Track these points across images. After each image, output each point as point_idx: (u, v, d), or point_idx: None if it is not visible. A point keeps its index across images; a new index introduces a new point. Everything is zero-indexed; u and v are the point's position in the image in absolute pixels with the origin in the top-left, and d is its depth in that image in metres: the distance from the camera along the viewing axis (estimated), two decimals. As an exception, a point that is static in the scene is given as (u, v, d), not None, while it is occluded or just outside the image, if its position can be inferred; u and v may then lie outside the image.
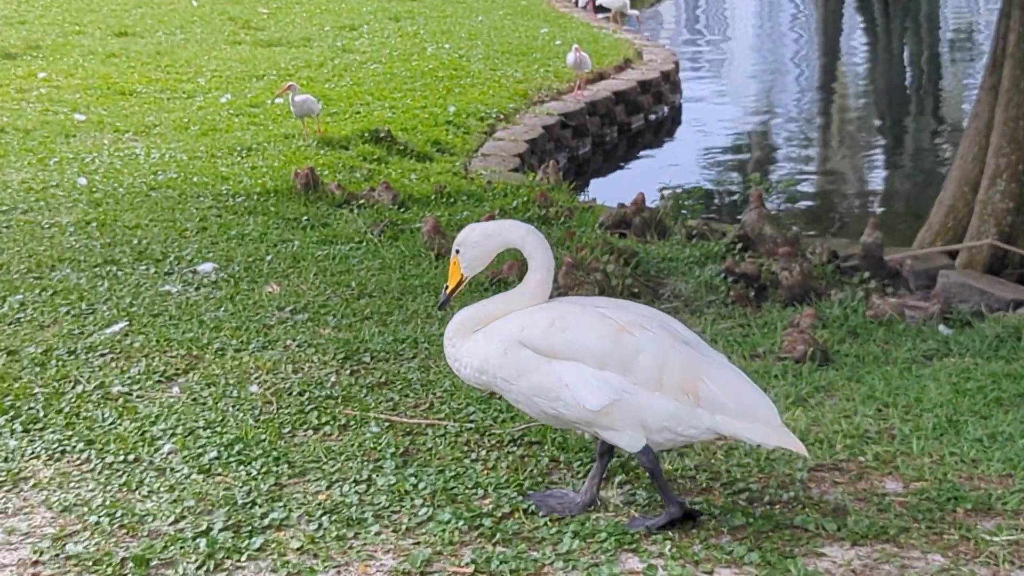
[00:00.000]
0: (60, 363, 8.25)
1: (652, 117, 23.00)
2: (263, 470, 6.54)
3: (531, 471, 6.53)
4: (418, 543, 5.75)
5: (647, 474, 5.80)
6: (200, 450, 6.83)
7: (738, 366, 7.22)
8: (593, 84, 22.06)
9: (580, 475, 6.50)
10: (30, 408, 7.45)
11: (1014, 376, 8.42)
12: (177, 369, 8.24)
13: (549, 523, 5.85)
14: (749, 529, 5.86)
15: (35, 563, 5.67)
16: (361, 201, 13.22)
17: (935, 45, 33.62)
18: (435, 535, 5.80)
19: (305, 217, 12.66)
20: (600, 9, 30.86)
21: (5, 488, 6.47)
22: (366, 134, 16.57)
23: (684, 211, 13.52)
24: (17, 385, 7.79)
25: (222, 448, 6.83)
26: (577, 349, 5.45)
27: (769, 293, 10.94)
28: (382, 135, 16.55)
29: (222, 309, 9.59)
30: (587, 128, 20.59)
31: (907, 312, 10.32)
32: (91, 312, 9.40)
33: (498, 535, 5.78)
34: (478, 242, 5.80)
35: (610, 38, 27.01)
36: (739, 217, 13.34)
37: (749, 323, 9.90)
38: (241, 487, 6.34)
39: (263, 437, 6.94)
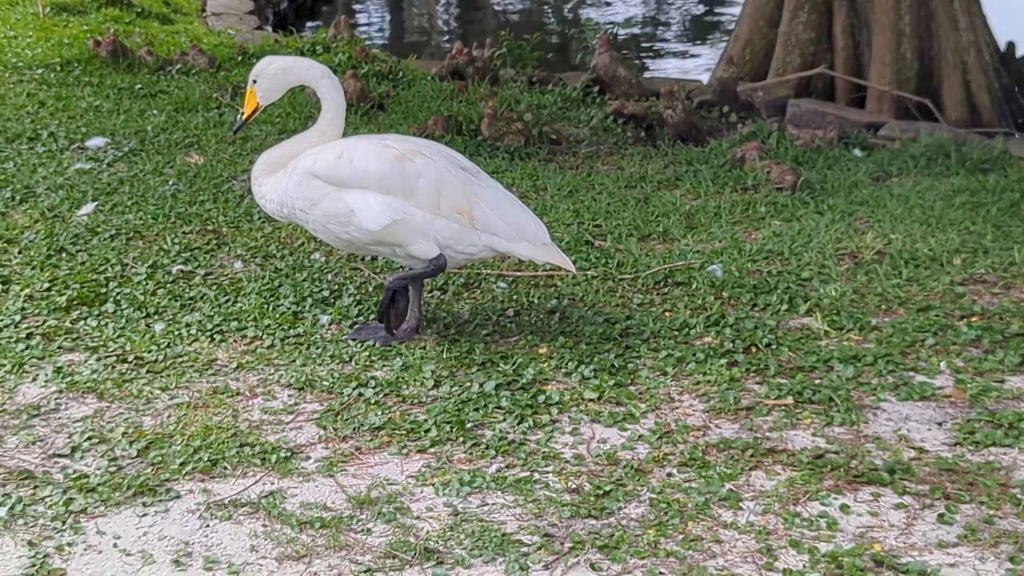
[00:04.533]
0: (86, 248, 7.87)
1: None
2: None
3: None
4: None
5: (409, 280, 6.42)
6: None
7: (735, 199, 7.85)
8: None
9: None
10: (130, 297, 7.18)
11: (989, 189, 9.20)
12: (209, 244, 7.99)
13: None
14: None
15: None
16: (178, 66, 12.72)
17: None
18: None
19: (138, 85, 12.17)
20: None
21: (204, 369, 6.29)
22: (99, -3, 15.71)
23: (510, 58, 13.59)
24: (72, 276, 7.44)
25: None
26: (362, 177, 6.08)
27: (657, 132, 11.32)
28: (116, -4, 15.75)
29: (171, 183, 9.15)
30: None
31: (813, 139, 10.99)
32: (32, 195, 8.77)
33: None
34: (275, 75, 6.45)
35: None
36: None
37: (689, 161, 10.27)
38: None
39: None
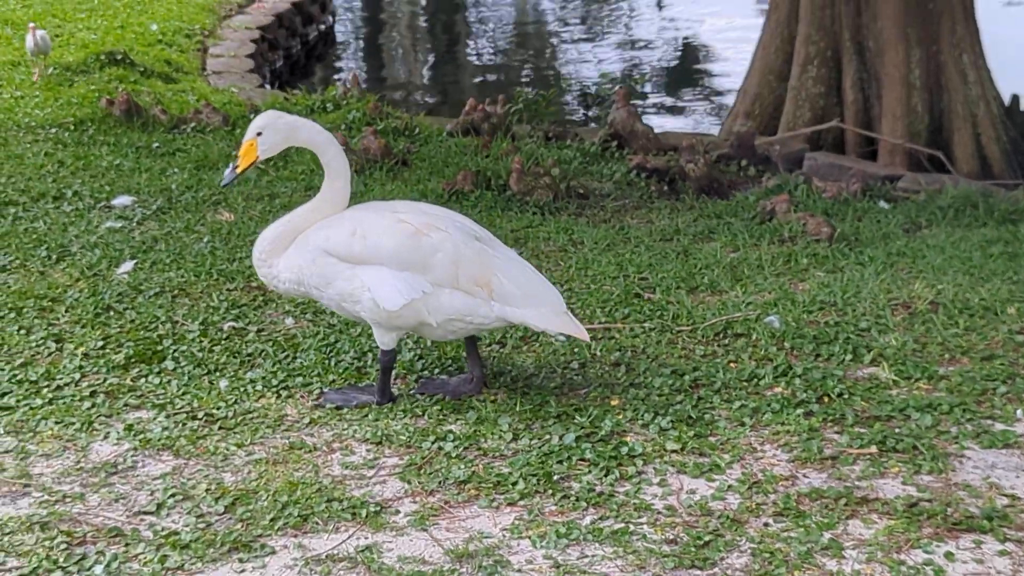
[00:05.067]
0: (133, 306, 7.86)
1: (322, 27, 22.86)
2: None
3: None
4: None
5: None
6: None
7: (775, 251, 7.91)
8: (264, -5, 21.76)
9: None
10: (188, 354, 7.17)
11: (1022, 240, 9.30)
12: (255, 300, 8.02)
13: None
14: None
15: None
16: (192, 124, 12.76)
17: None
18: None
19: (155, 144, 12.20)
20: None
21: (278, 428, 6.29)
22: (102, 57, 15.76)
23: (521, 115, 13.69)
24: (124, 334, 7.44)
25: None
26: (377, 254, 5.96)
27: (679, 186, 11.41)
28: (119, 57, 15.81)
29: (206, 241, 9.17)
30: (278, 41, 20.28)
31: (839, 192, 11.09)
32: (68, 254, 8.77)
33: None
34: (282, 131, 6.25)
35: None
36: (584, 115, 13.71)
37: (718, 214, 10.35)
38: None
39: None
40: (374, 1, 27.80)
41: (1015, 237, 9.42)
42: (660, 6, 24.88)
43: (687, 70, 19.85)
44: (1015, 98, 14.83)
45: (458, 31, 24.19)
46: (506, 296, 6.04)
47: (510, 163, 10.65)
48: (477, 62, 21.69)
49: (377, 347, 6.36)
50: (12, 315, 7.60)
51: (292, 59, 20.80)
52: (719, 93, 17.84)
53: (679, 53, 21.43)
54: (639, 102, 16.69)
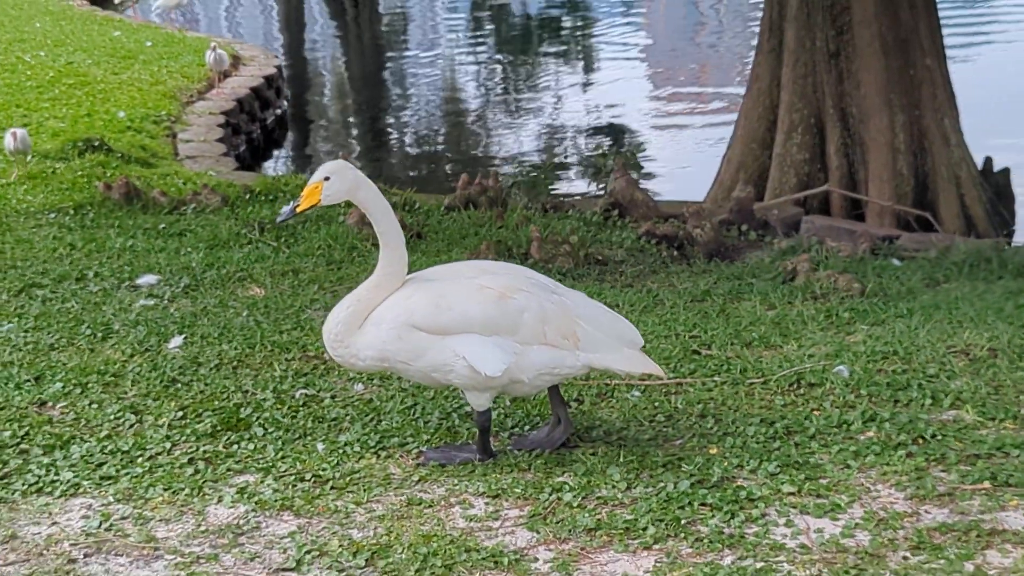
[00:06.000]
0: (197, 378, 7.98)
1: (278, 111, 23.07)
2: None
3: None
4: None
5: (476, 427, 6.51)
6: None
7: (813, 308, 8.23)
8: (223, 81, 21.87)
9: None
10: (271, 420, 7.31)
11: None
12: (316, 369, 8.16)
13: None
14: None
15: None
16: (193, 205, 12.88)
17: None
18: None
19: (161, 225, 12.28)
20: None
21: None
22: (79, 144, 15.83)
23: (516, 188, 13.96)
24: (199, 405, 7.56)
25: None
26: (467, 323, 6.02)
27: (688, 251, 11.69)
28: (96, 144, 15.90)
29: (245, 315, 9.29)
30: (240, 126, 20.46)
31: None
32: (111, 332, 8.87)
33: None
34: (349, 181, 6.26)
35: (182, 36, 26.66)
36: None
37: (738, 275, 10.63)
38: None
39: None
40: (318, 85, 28.10)
41: (1038, 288, 9.74)
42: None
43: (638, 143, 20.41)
44: (987, 160, 15.29)
45: (399, 107, 24.57)
46: (591, 343, 6.19)
47: (527, 232, 10.83)
48: (415, 140, 21.99)
49: (470, 408, 6.58)
50: (78, 391, 7.65)
51: (253, 143, 20.91)
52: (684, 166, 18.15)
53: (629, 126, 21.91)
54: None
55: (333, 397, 7.55)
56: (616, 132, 20.92)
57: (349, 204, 11.89)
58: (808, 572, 5.32)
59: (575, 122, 22.32)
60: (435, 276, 6.55)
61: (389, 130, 23.36)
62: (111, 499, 6.26)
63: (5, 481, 6.47)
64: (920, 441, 6.54)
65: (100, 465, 6.64)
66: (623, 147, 15.65)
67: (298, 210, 6.27)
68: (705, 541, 5.60)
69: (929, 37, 14.30)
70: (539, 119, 23.14)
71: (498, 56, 30.45)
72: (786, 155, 14.52)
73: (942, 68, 14.43)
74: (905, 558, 5.39)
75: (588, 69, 27.48)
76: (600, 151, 14.12)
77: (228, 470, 6.55)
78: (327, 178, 6.23)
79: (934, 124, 14.19)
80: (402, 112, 24.28)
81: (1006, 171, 15.48)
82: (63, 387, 7.70)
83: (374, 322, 6.17)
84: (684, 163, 17.38)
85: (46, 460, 6.68)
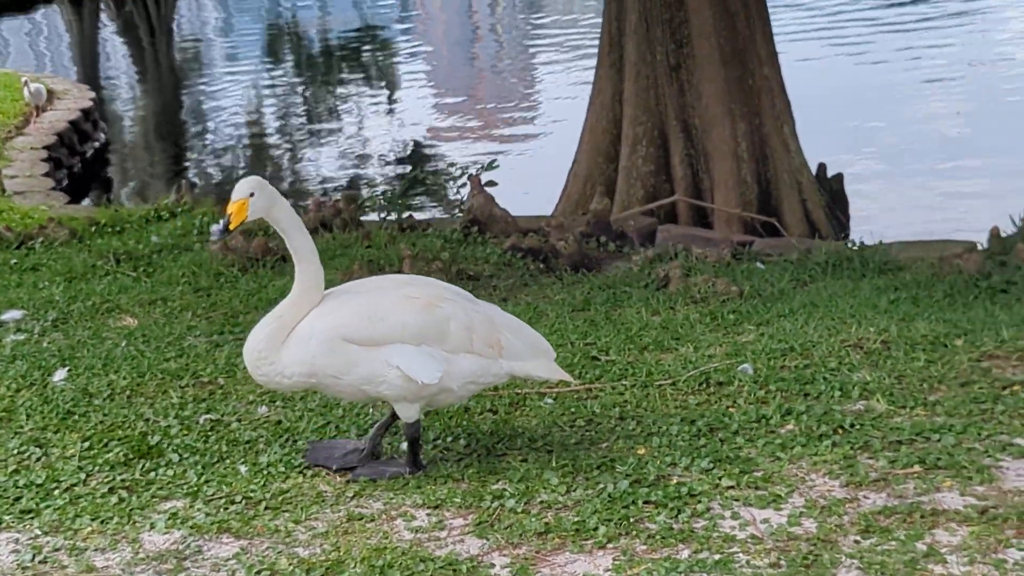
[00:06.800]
0: (93, 408, 7.86)
1: (97, 144, 22.70)
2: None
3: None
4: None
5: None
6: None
7: (696, 311, 8.63)
8: (40, 116, 21.45)
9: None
10: (184, 446, 7.23)
11: (909, 285, 9.99)
12: (213, 395, 8.07)
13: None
14: None
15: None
16: (41, 239, 12.65)
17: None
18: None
19: (13, 261, 12.00)
20: None
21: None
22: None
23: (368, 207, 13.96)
24: (103, 435, 7.46)
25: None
26: (399, 332, 6.11)
27: (552, 263, 11.83)
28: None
29: (124, 345, 9.16)
30: (61, 160, 20.08)
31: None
32: (-12, 366, 8.67)
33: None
34: (268, 197, 6.26)
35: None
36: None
37: (609, 284, 10.78)
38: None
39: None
40: (127, 116, 27.76)
41: (903, 284, 10.09)
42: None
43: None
44: (821, 166, 15.73)
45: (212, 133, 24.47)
46: (514, 352, 6.35)
47: (397, 251, 10.85)
48: (232, 167, 21.92)
49: (399, 420, 6.59)
50: (-29, 427, 7.42)
51: (75, 177, 20.52)
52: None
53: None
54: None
55: (239, 420, 7.46)
56: (427, 153, 21.26)
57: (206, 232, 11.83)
58: (766, 561, 5.42)
59: (386, 145, 22.53)
60: (355, 290, 6.56)
61: (202, 157, 23.18)
62: (38, 532, 6.12)
63: (-85, 520, 6.23)
64: (840, 431, 6.71)
65: (17, 500, 6.45)
66: (456, 166, 15.67)
67: (231, 227, 6.21)
68: (657, 537, 5.68)
69: (765, 46, 14.66)
70: (351, 141, 23.30)
71: (296, 80, 30.53)
72: (632, 168, 14.74)
73: (778, 76, 14.81)
74: (856, 542, 5.53)
75: (390, 91, 27.74)
76: (445, 170, 14.17)
77: (153, 496, 6.44)
78: (252, 194, 6.19)
79: (774, 131, 14.54)
80: (216, 139, 24.13)
81: (839, 176, 15.91)
82: (-47, 424, 7.42)
83: (300, 338, 6.14)
84: (514, 180, 17.48)
85: (-44, 497, 6.45)
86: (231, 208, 6.24)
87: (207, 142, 24.20)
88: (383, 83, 29.59)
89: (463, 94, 26.49)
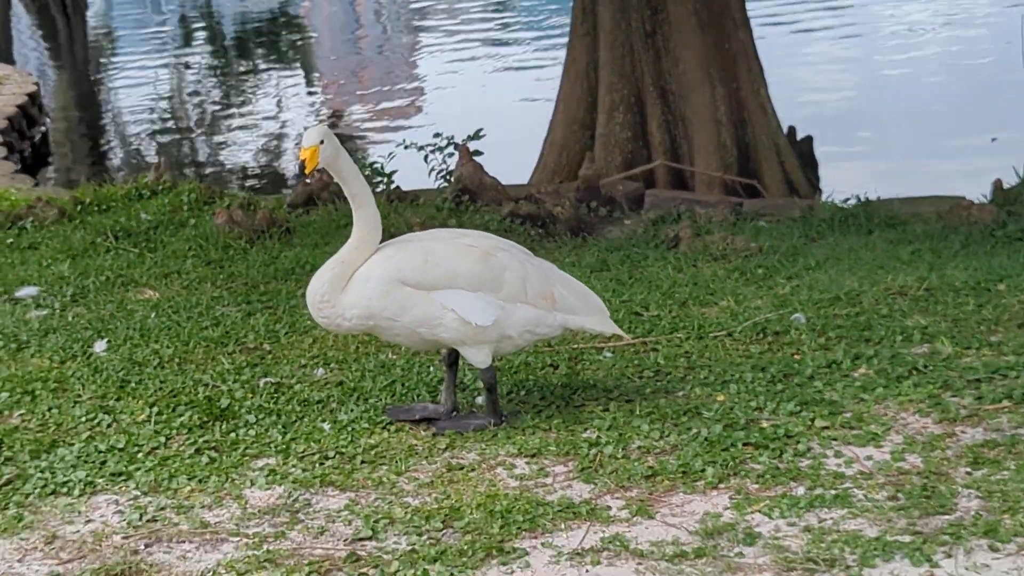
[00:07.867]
0: (147, 377, 7.83)
1: (43, 128, 22.46)
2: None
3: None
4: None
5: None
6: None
7: (722, 268, 9.22)
8: (-15, 100, 21.21)
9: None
10: (257, 407, 7.24)
11: (922, 237, 10.20)
12: (264, 360, 8.09)
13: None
14: None
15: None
16: (31, 219, 12.53)
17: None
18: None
19: (9, 240, 11.88)
20: None
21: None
22: None
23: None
24: (166, 401, 7.43)
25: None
26: (453, 278, 6.28)
27: (550, 228, 11.93)
28: None
29: (153, 317, 9.13)
30: (12, 144, 19.83)
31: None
32: (22, 342, 8.63)
33: None
34: (335, 145, 6.41)
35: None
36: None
37: (619, 247, 10.90)
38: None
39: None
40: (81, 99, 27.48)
41: (915, 236, 10.28)
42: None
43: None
44: (791, 128, 15.95)
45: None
46: (567, 306, 6.51)
47: (401, 220, 10.89)
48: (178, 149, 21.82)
49: (475, 369, 6.75)
50: (28, 399, 7.39)
51: (26, 161, 20.28)
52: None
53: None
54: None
55: (300, 383, 7.45)
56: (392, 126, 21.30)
57: (208, 202, 11.81)
58: (883, 495, 5.53)
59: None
60: (414, 239, 6.74)
61: (152, 140, 23.01)
62: (136, 493, 6.10)
63: (12, 487, 6.20)
64: (915, 372, 6.83)
65: (103, 464, 6.43)
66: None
67: (306, 172, 6.39)
68: (767, 476, 5.78)
69: (740, 10, 14.80)
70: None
71: (216, 63, 30.49)
72: (610, 135, 14.81)
73: (751, 40, 14.94)
74: (968, 473, 5.66)
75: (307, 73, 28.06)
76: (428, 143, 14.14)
77: (243, 455, 6.46)
78: (322, 141, 6.32)
79: (751, 95, 14.69)
80: (158, 122, 23.98)
81: (809, 139, 16.15)
82: (11, 396, 7.37)
83: (359, 281, 6.31)
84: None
85: (43, 464, 6.43)
86: (304, 155, 6.35)
87: (152, 125, 23.98)
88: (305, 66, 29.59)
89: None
